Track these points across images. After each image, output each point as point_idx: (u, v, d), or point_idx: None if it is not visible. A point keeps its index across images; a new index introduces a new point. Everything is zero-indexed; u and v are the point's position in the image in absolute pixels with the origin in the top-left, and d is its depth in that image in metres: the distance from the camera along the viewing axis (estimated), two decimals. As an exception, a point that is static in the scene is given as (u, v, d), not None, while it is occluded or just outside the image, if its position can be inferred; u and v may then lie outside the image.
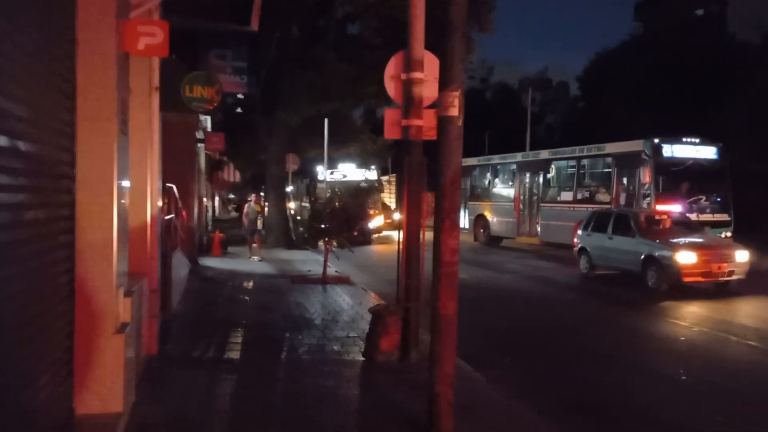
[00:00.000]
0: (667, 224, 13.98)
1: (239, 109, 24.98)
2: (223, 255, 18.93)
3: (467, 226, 24.99)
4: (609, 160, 18.87)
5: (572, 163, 20.51)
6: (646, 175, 17.02)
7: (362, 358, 7.36)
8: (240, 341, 8.18)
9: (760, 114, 27.82)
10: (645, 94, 33.50)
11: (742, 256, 12.56)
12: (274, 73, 20.07)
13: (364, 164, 27.33)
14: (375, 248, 22.95)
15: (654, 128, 22.08)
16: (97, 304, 4.48)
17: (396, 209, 34.36)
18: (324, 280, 13.83)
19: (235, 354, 7.53)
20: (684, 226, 14.21)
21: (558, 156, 21.40)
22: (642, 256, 13.13)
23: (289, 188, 27.09)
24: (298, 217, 27.14)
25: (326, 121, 21.29)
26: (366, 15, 19.51)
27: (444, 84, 4.81)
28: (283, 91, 20.09)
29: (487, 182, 25.17)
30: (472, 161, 26.15)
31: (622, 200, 17.89)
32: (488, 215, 24.09)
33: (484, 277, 15.53)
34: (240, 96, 20.33)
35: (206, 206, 23.99)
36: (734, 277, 12.56)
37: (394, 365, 7.14)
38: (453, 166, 4.79)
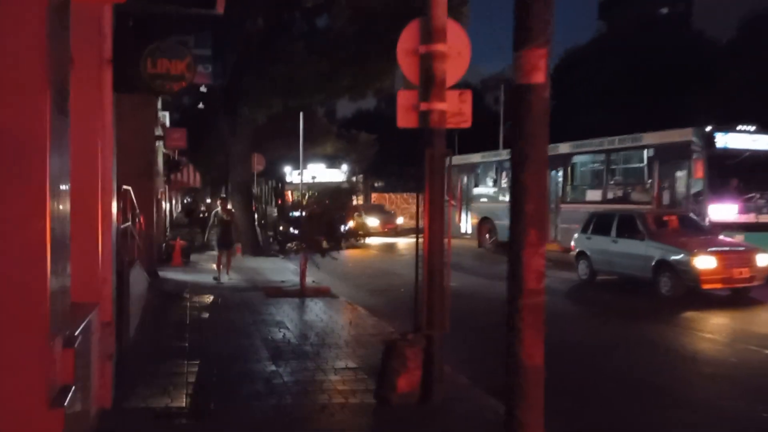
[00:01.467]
0: (676, 225, 12.86)
1: (201, 105, 23.18)
2: (185, 264, 17.18)
3: (469, 231, 23.38)
4: (648, 152, 16.20)
5: (600, 157, 18.00)
6: (697, 170, 14.61)
7: (374, 401, 5.91)
8: (214, 380, 6.62)
9: (730, 112, 27.26)
10: (613, 94, 32.82)
11: (763, 260, 11.51)
12: (239, 67, 18.42)
13: (334, 164, 25.76)
14: (348, 254, 21.46)
15: (625, 128, 20.45)
16: (17, 369, 2.94)
17: (393, 213, 32.97)
18: (302, 293, 12.33)
19: (209, 400, 5.98)
20: (692, 226, 13.13)
21: (581, 149, 18.74)
22: (653, 261, 11.99)
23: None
24: (263, 221, 25.47)
25: (301, 115, 19.68)
26: (337, 4, 18.00)
27: (522, 41, 3.40)
28: (248, 85, 18.44)
29: (492, 181, 23.03)
30: (474, 158, 24.34)
31: (666, 199, 15.60)
32: (495, 218, 21.73)
33: (484, 286, 14.21)
34: (202, 89, 18.60)
35: (165, 211, 22.12)
36: (755, 283, 11.52)
37: (415, 409, 5.71)
38: (538, 156, 3.39)
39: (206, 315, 10.41)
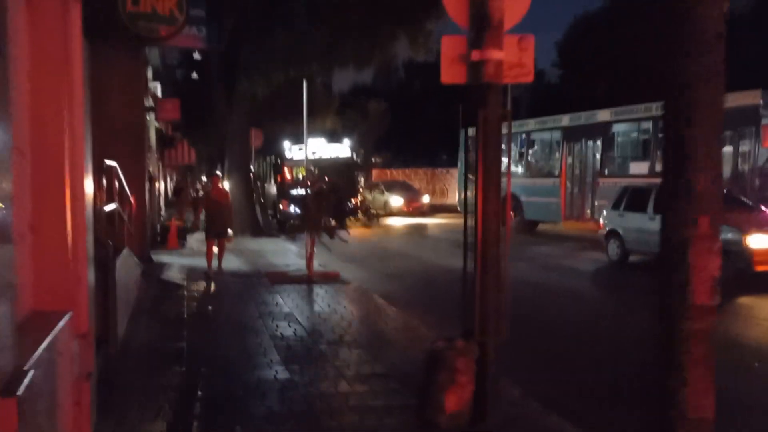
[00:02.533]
0: (727, 201, 11.67)
1: (195, 75, 21.83)
2: (181, 247, 16.02)
3: None
4: None
5: (646, 125, 16.24)
6: (766, 137, 13.06)
7: (416, 421, 4.81)
8: (218, 395, 5.51)
9: (748, 80, 25.91)
10: (624, 63, 31.39)
11: (820, 238, 10.40)
12: (236, 32, 17.09)
13: (335, 139, 24.46)
14: (359, 234, 20.29)
15: (635, 98, 18.98)
16: None
17: (418, 190, 30.98)
18: (310, 279, 11.22)
19: (214, 426, 4.87)
20: (736, 203, 11.98)
21: (624, 117, 16.84)
22: (698, 241, 10.88)
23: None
24: (262, 200, 24.29)
25: (304, 82, 18.34)
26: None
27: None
28: (247, 53, 17.12)
29: (518, 154, 21.23)
30: None
31: (726, 172, 13.73)
32: (521, 195, 19.91)
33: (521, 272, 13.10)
34: (196, 56, 17.27)
35: (159, 190, 20.88)
36: (810, 264, 10.42)
37: (468, 434, 4.62)
38: (713, 117, 2.23)
39: (206, 307, 9.29)
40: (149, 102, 14.71)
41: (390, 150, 42.22)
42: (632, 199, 12.74)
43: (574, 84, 35.26)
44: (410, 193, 29.93)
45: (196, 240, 17.69)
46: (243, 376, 6.00)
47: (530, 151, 20.45)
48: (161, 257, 13.89)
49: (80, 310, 4.17)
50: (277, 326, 7.92)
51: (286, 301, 9.54)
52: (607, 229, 13.19)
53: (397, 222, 25.26)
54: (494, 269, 4.71)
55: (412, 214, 27.88)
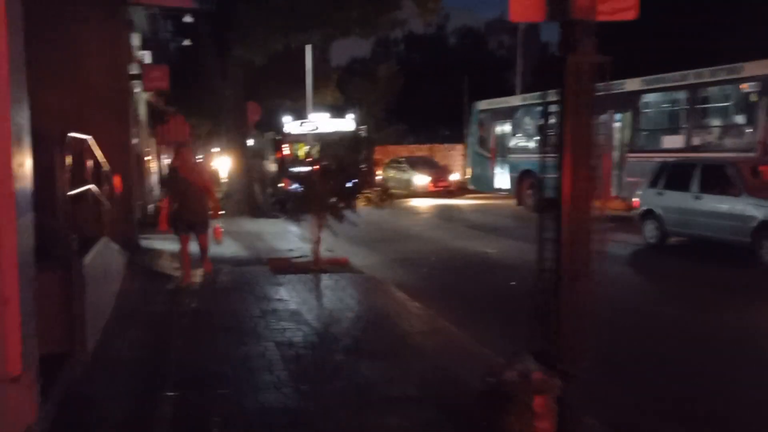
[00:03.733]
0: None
1: (187, 41, 20.34)
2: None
3: (507, 186, 20.42)
4: (751, 86, 13.03)
5: (681, 95, 14.70)
6: None
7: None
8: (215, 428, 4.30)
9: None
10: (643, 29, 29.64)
11: None
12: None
13: (339, 113, 23.02)
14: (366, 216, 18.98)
15: (656, 66, 17.48)
16: None
17: (444, 167, 28.76)
18: (316, 266, 10.00)
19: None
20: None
21: (656, 86, 15.26)
22: (755, 223, 9.65)
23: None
24: (262, 179, 22.96)
25: (307, 49, 16.89)
26: None
27: None
28: (242, 15, 15.67)
29: (536, 128, 19.48)
30: (513, 101, 21.06)
31: None
32: (540, 172, 18.56)
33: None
34: (187, 19, 15.80)
35: (150, 168, 19.52)
36: None
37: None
38: None
39: (200, 304, 8.05)
40: (135, 69, 13.32)
41: (404, 121, 40.03)
42: (672, 177, 11.47)
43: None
44: (436, 170, 27.70)
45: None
46: (244, 400, 4.78)
47: (548, 123, 18.94)
48: (154, 242, 12.63)
49: (7, 346, 2.93)
50: (282, 329, 6.70)
51: (292, 295, 8.31)
52: (642, 208, 11.94)
53: (421, 203, 23.37)
54: (584, 276, 3.46)
55: (440, 194, 25.61)
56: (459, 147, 38.92)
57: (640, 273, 10.71)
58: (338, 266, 10.32)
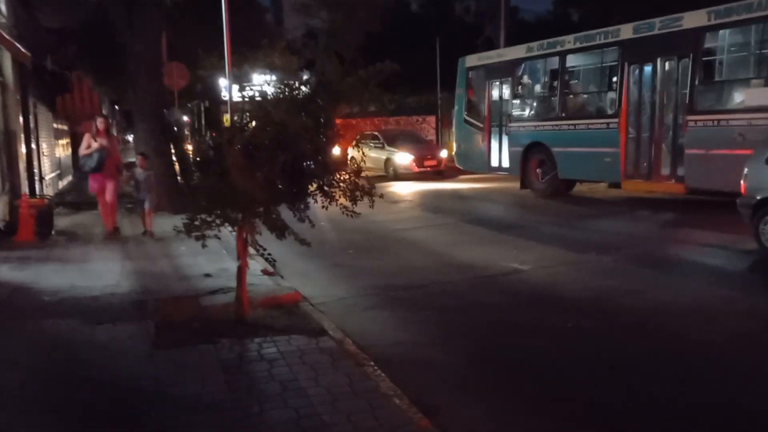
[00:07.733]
0: None
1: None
2: (41, 240, 9.95)
3: (507, 164, 15.72)
4: None
5: None
6: None
7: None
8: None
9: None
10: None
11: None
12: None
13: (290, 77, 18.21)
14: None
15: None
16: None
17: (430, 142, 23.70)
18: (243, 315, 5.65)
19: None
20: None
21: (728, 19, 10.64)
22: None
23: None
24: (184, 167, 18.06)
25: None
26: None
27: None
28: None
29: (547, 88, 15.06)
30: (515, 52, 15.81)
31: None
32: (553, 145, 14.20)
33: (605, 276, 7.56)
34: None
35: (34, 153, 14.51)
36: None
37: None
38: None
39: None
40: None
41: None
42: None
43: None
44: (420, 146, 22.42)
45: (85, 222, 11.94)
46: None
47: (566, 83, 14.35)
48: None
49: None
50: None
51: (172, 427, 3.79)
52: (757, 197, 7.69)
53: (404, 189, 17.98)
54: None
55: (426, 176, 20.66)
56: (431, 119, 34.50)
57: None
58: (282, 312, 5.98)
